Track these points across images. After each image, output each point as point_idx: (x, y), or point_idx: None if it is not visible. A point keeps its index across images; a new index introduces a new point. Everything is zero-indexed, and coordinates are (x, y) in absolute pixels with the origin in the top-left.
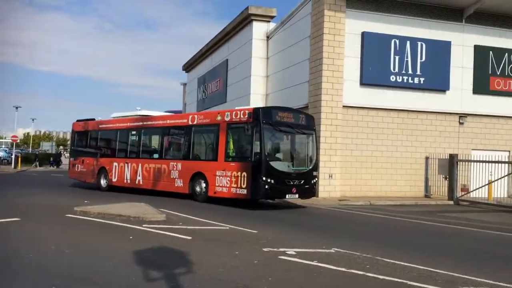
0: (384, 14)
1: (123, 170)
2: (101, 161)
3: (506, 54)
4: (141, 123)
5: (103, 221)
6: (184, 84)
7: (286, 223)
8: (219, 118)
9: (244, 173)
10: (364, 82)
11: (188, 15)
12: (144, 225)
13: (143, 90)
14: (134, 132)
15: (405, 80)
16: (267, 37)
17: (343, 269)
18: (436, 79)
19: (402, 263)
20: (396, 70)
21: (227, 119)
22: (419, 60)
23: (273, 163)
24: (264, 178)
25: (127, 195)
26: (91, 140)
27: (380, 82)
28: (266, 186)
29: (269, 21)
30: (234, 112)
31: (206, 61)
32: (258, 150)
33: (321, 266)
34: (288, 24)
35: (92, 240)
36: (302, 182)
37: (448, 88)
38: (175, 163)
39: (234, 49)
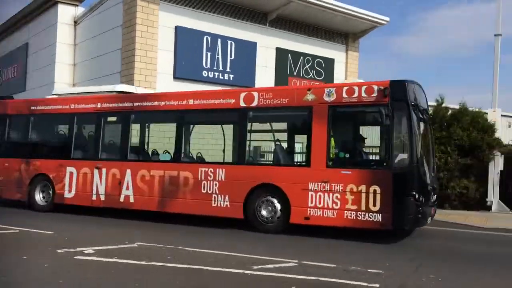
0: (197, 11)
1: (88, 180)
2: (37, 164)
3: (302, 57)
4: (129, 104)
5: None
6: None
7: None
8: (310, 97)
9: (376, 188)
10: (177, 76)
11: None
12: None
13: None
14: (114, 119)
15: (216, 76)
16: (75, 22)
17: (144, 263)
18: (243, 76)
19: (203, 250)
20: (208, 66)
21: (329, 98)
22: (229, 58)
23: (422, 172)
24: (417, 196)
25: (96, 218)
26: (14, 131)
27: (193, 76)
28: (420, 209)
29: (77, 5)
30: (346, 89)
31: (1, 43)
32: (404, 150)
33: (120, 262)
34: (99, 11)
35: None
36: (436, 199)
37: (254, 85)
38: (212, 170)
39: (37, 32)
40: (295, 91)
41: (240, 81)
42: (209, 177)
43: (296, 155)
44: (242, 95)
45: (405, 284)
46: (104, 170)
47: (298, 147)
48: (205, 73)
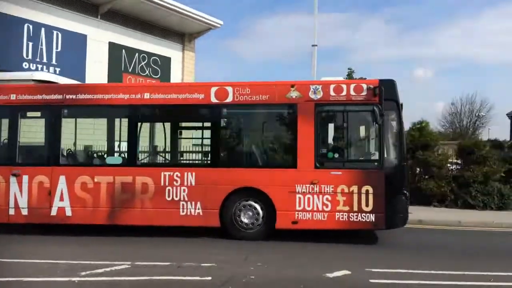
0: None
1: (1, 191)
2: None
3: (137, 54)
4: (60, 97)
5: None
6: None
7: None
8: (294, 94)
9: (368, 188)
10: None
11: None
12: None
13: None
14: (38, 114)
15: (39, 69)
16: None
17: None
18: (73, 70)
19: (23, 260)
20: (30, 57)
21: (315, 96)
22: (54, 50)
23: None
24: (407, 194)
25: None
26: None
27: (12, 68)
28: (408, 206)
29: None
30: (333, 86)
31: None
32: (395, 149)
33: None
34: None
35: None
36: None
37: (84, 81)
38: (179, 174)
39: None
40: (275, 87)
41: (69, 75)
42: (175, 182)
43: (280, 156)
44: (213, 89)
45: (236, 273)
46: (25, 178)
47: (282, 147)
48: (26, 65)
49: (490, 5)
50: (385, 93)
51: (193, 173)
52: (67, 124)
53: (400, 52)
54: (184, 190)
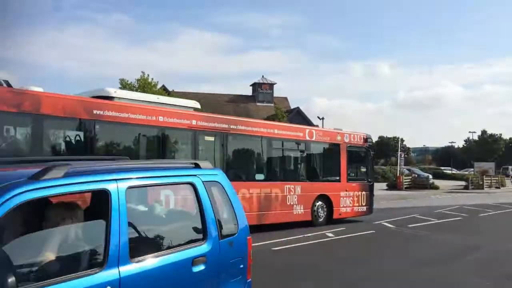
0: None
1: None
2: None
3: None
4: (225, 126)
5: None
6: None
7: None
8: (339, 138)
9: (364, 192)
10: None
11: None
12: None
13: None
14: (209, 138)
15: None
16: None
17: None
18: None
19: None
20: None
21: (346, 140)
22: None
23: None
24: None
25: None
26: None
27: None
28: None
29: None
30: (352, 135)
31: None
32: (372, 172)
33: None
34: None
35: None
36: None
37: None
38: (292, 186)
39: None
40: (331, 132)
41: None
42: (291, 192)
43: (335, 174)
44: (307, 131)
45: (319, 237)
46: None
47: (335, 169)
48: None
49: None
50: (368, 142)
51: (299, 186)
52: (231, 147)
53: None
54: (295, 197)
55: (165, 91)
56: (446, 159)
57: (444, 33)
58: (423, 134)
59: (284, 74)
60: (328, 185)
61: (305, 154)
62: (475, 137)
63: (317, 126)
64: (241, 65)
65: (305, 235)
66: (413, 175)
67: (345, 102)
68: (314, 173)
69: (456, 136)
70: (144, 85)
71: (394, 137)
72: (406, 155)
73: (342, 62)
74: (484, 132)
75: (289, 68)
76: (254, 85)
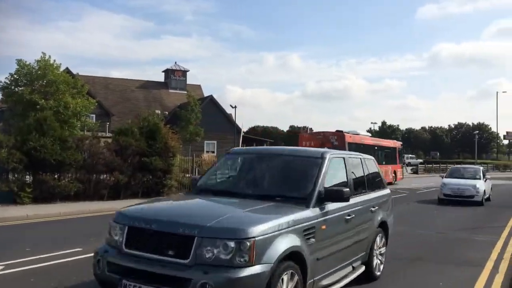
0: None
1: None
2: None
3: None
4: (376, 142)
5: None
6: None
7: None
8: (397, 145)
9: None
10: None
11: None
12: None
13: None
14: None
15: None
16: None
17: None
18: None
19: None
20: None
21: (397, 145)
22: None
23: None
24: None
25: None
26: None
27: None
28: None
29: None
30: (398, 143)
31: None
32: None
33: None
34: None
35: None
36: None
37: None
38: (388, 166)
39: None
40: (394, 142)
41: None
42: (388, 169)
43: (395, 161)
44: (391, 142)
45: None
46: None
47: (394, 158)
48: None
49: None
50: (401, 145)
51: (389, 166)
52: (382, 151)
53: None
54: (389, 171)
55: (68, 74)
56: None
57: (351, 28)
58: (330, 124)
59: (198, 61)
60: (394, 166)
61: (389, 151)
62: (377, 128)
63: (341, 131)
64: (153, 50)
65: None
66: None
67: (258, 91)
68: (392, 160)
69: (360, 126)
70: (45, 67)
71: (304, 127)
72: None
73: (255, 52)
74: (384, 123)
75: (202, 55)
76: (166, 72)
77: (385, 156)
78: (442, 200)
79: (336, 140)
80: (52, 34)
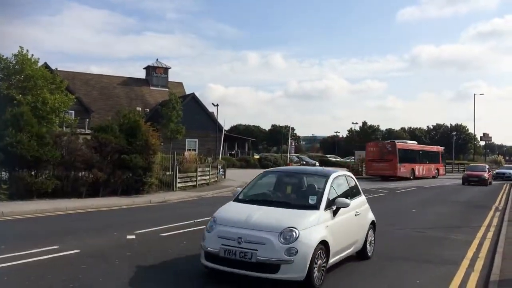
0: None
1: None
2: None
3: None
4: (420, 148)
5: None
6: None
7: None
8: (438, 150)
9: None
10: None
11: None
12: None
13: None
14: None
15: None
16: None
17: None
18: None
19: None
20: None
21: (441, 150)
22: None
23: None
24: None
25: None
26: None
27: None
28: None
29: None
30: (441, 148)
31: None
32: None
33: None
34: None
35: None
36: None
37: None
38: (432, 165)
39: None
40: (438, 148)
41: None
42: (431, 167)
43: (438, 161)
44: (434, 147)
45: None
46: None
47: (437, 159)
48: None
49: None
50: (443, 150)
51: (433, 164)
52: (423, 154)
53: None
54: (432, 169)
55: (47, 69)
56: (331, 147)
57: (335, 29)
58: (312, 123)
59: (180, 59)
60: (438, 165)
61: (433, 154)
62: (357, 128)
63: (393, 141)
64: (134, 47)
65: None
66: (301, 162)
67: (240, 90)
68: (435, 160)
69: (341, 126)
70: (23, 61)
71: (286, 126)
72: (296, 143)
73: (238, 50)
74: (364, 123)
75: (185, 53)
76: (148, 69)
77: (429, 157)
78: None
79: (390, 147)
80: (31, 28)
